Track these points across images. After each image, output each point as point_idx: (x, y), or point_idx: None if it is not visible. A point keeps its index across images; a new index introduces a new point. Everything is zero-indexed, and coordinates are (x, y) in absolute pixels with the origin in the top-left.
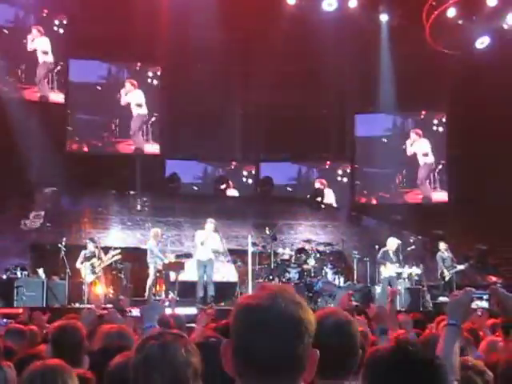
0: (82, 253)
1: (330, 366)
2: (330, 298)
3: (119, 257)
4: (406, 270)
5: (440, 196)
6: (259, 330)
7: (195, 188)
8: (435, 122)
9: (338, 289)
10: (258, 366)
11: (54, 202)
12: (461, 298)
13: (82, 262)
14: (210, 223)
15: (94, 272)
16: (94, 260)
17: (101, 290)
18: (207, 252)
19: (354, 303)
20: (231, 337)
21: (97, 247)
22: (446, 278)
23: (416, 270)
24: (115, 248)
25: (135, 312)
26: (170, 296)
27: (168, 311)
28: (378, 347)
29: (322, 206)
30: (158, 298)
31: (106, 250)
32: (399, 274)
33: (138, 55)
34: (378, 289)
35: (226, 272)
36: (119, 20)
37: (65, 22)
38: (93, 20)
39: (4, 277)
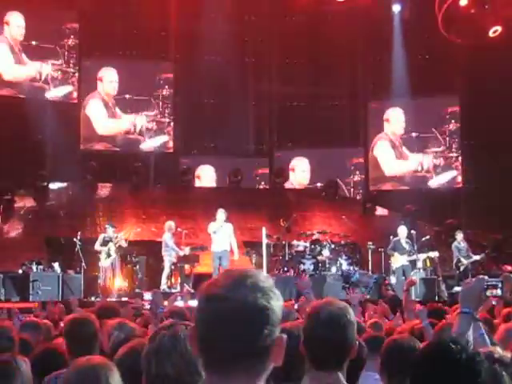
0: (101, 236)
1: (324, 358)
2: (365, 289)
3: (127, 235)
4: (422, 256)
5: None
6: (218, 321)
7: (209, 180)
8: (449, 109)
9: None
10: (217, 355)
11: (68, 196)
12: (473, 286)
13: (100, 245)
14: (221, 213)
15: (109, 255)
16: (111, 244)
17: (116, 282)
18: (222, 243)
19: (391, 292)
20: (194, 323)
21: (115, 232)
22: (461, 268)
23: (433, 254)
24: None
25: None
26: (184, 289)
27: (180, 304)
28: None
29: (336, 197)
30: (173, 290)
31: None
32: (413, 263)
33: (149, 50)
34: (392, 279)
35: (240, 264)
36: (129, 15)
37: (76, 25)
38: (103, 17)
39: (20, 271)
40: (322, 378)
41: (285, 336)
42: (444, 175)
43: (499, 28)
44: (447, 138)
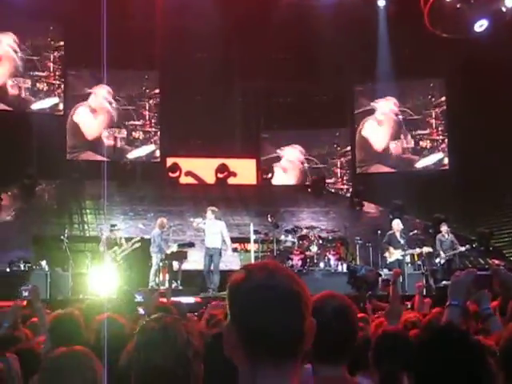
0: (104, 237)
1: (329, 352)
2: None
3: (139, 245)
4: (417, 251)
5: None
6: (263, 312)
7: (196, 176)
8: (435, 92)
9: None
10: (266, 348)
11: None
12: (462, 279)
13: (105, 247)
14: (209, 211)
15: (115, 260)
16: (116, 248)
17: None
18: (213, 240)
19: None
20: (233, 319)
21: (119, 234)
22: (442, 261)
23: (427, 249)
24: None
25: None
26: (173, 286)
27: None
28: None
29: (324, 192)
30: (161, 287)
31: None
32: (405, 257)
33: (135, 51)
34: (386, 272)
35: (228, 260)
36: (114, 17)
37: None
38: (88, 28)
39: (7, 269)
40: (328, 371)
41: (314, 320)
42: (430, 158)
43: (485, 22)
44: (433, 121)
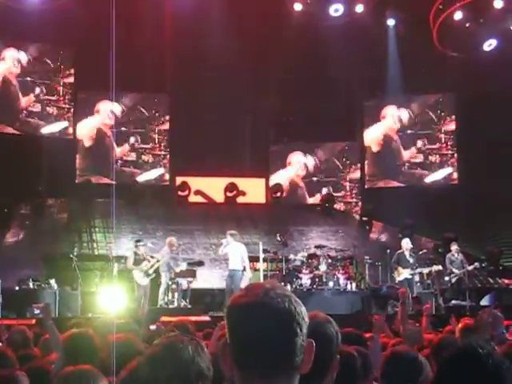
0: (132, 254)
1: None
2: (396, 302)
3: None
4: (426, 270)
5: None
6: (254, 327)
7: (205, 195)
8: (443, 106)
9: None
10: (256, 363)
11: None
12: None
13: (133, 264)
14: (229, 235)
15: (148, 275)
16: (145, 263)
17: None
18: (233, 262)
19: None
20: (228, 337)
21: (143, 250)
22: (453, 279)
23: (437, 267)
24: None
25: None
26: (182, 304)
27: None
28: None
29: (333, 211)
30: (170, 306)
31: (119, 259)
32: (414, 276)
33: (145, 73)
34: None
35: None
36: (126, 30)
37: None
38: (99, 51)
39: (16, 288)
40: None
41: (313, 341)
42: (439, 172)
43: (494, 41)
44: (442, 136)
